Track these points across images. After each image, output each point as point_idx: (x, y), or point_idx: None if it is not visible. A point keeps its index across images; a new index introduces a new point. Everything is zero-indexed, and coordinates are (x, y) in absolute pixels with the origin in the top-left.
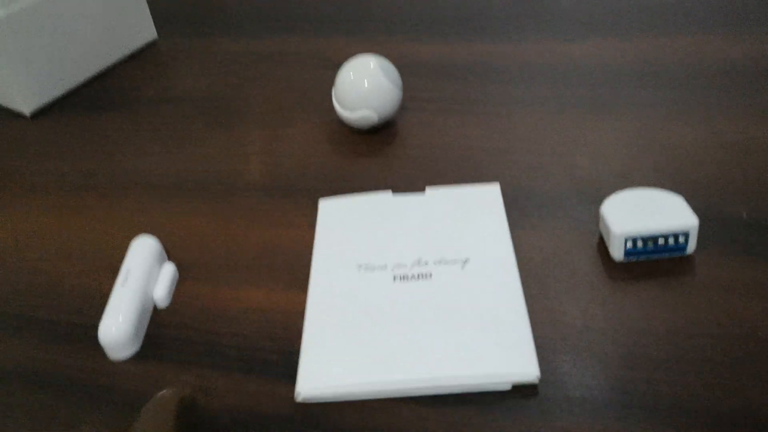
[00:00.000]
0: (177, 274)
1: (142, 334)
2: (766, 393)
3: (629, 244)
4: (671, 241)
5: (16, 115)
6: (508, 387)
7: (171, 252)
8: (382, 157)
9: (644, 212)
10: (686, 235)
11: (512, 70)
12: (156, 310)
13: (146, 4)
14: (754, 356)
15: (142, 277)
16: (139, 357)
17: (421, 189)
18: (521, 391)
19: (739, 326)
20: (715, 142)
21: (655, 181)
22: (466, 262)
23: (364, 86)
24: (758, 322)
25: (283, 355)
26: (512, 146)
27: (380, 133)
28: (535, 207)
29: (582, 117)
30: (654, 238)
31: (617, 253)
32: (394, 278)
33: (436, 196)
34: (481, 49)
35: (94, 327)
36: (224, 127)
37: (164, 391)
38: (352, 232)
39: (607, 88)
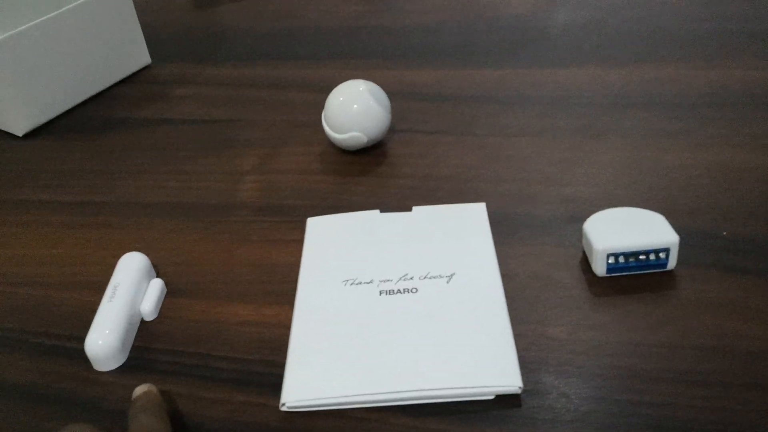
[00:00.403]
0: (165, 289)
1: (129, 346)
2: (745, 405)
3: (611, 260)
4: (652, 257)
5: (10, 136)
6: (491, 397)
7: (162, 269)
8: (371, 177)
9: (625, 229)
10: (667, 251)
11: (503, 97)
12: (144, 324)
13: (140, 30)
14: (735, 369)
15: (129, 292)
16: (126, 368)
17: (409, 209)
18: (505, 401)
19: (719, 339)
20: (700, 167)
21: (640, 201)
22: (451, 276)
23: (353, 108)
24: (737, 335)
25: (270, 367)
26: (500, 171)
27: (370, 154)
28: (521, 226)
29: (570, 143)
30: (635, 254)
31: (600, 268)
32: (380, 293)
33: (423, 214)
34: (472, 77)
35: (83, 340)
36: (217, 148)
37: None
38: (339, 249)
39: (596, 115)
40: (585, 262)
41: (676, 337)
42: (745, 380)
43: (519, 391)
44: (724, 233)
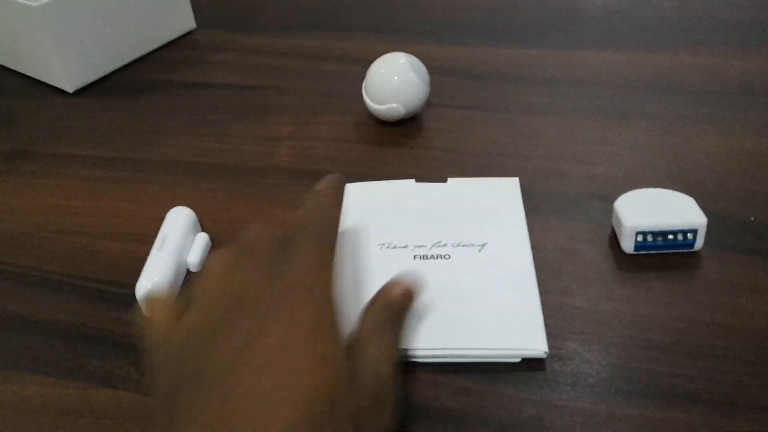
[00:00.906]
0: (210, 243)
1: (175, 293)
2: (756, 379)
3: (639, 238)
4: (680, 237)
5: (59, 92)
6: (517, 360)
7: (204, 224)
8: (407, 148)
9: (655, 209)
10: (694, 232)
11: (536, 77)
12: (191, 274)
13: None
14: (751, 347)
15: (178, 243)
16: None
17: (443, 180)
18: (529, 364)
19: (739, 319)
20: (729, 153)
21: (668, 184)
22: (483, 246)
23: (394, 80)
24: (757, 315)
25: None
26: (532, 149)
27: (406, 127)
28: (552, 203)
29: (601, 124)
30: (664, 234)
31: (628, 245)
32: (414, 257)
33: (458, 185)
34: (506, 55)
35: (131, 287)
36: (253, 114)
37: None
38: (376, 215)
39: (627, 97)
40: (612, 239)
41: (693, 312)
42: (757, 356)
43: (545, 356)
44: (752, 218)
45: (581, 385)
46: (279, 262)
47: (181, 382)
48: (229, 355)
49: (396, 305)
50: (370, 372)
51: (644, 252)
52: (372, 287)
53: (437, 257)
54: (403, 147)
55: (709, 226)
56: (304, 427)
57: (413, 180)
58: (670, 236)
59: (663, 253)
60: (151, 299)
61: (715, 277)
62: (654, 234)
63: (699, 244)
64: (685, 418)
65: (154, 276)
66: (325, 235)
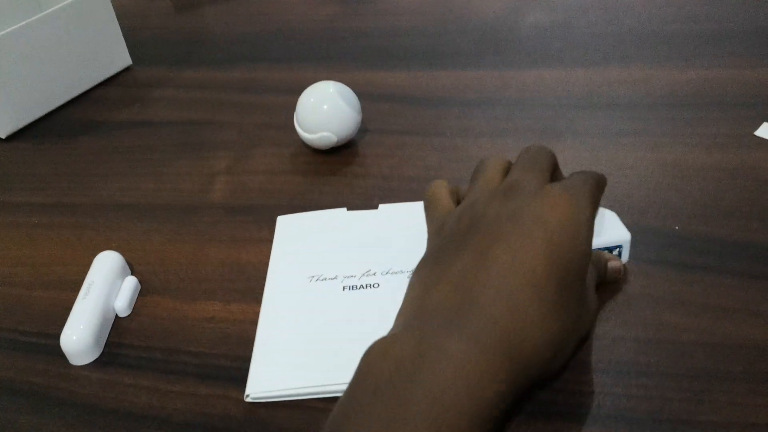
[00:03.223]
0: (139, 286)
1: (103, 341)
2: (681, 394)
3: None
4: None
5: None
6: None
7: (135, 267)
8: (340, 176)
9: None
10: (619, 248)
11: (471, 99)
12: (119, 320)
13: (120, 32)
14: (676, 362)
15: (104, 289)
16: (99, 362)
17: (375, 207)
18: None
19: (663, 333)
20: (656, 165)
21: None
22: (413, 272)
23: (323, 109)
24: (680, 329)
25: (235, 361)
26: (466, 172)
27: (341, 154)
28: None
29: (531, 143)
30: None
31: None
32: (344, 288)
33: (388, 211)
34: (443, 79)
35: (58, 337)
36: (191, 149)
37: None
38: (306, 246)
39: (558, 116)
40: None
41: (617, 330)
42: (680, 370)
43: None
44: (676, 227)
45: None
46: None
47: (458, 234)
48: (495, 217)
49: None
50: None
51: None
52: (303, 323)
53: (366, 286)
54: (337, 175)
55: (635, 240)
56: (548, 274)
57: (344, 208)
58: None
59: None
60: (435, 183)
61: (640, 292)
62: None
63: (625, 258)
64: None
65: (79, 324)
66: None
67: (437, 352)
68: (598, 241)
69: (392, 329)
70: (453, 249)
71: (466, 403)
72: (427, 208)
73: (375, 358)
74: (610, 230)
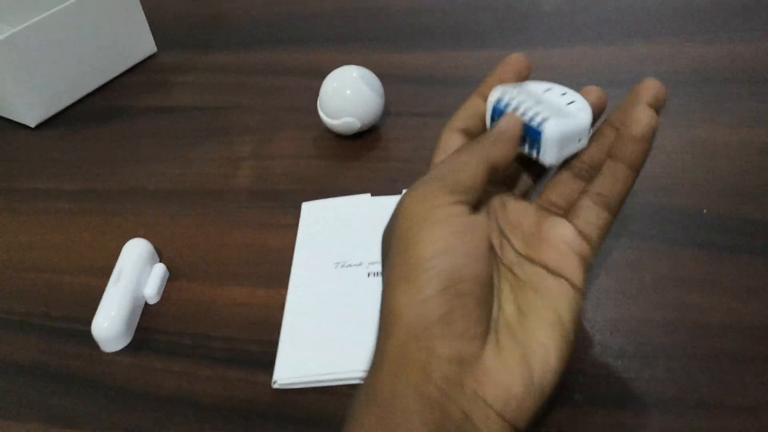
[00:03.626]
0: (167, 274)
1: (133, 328)
2: (709, 376)
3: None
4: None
5: (21, 127)
6: None
7: (163, 253)
8: (364, 161)
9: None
10: (537, 142)
11: None
12: (148, 307)
13: (145, 20)
14: (703, 343)
15: (133, 276)
16: (130, 348)
17: (399, 191)
18: None
19: (691, 315)
20: (683, 143)
21: None
22: None
23: (347, 94)
24: (709, 311)
25: (263, 346)
26: None
27: (363, 139)
28: None
29: None
30: None
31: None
32: (368, 274)
33: None
34: (466, 58)
35: (88, 321)
36: (216, 134)
37: None
38: (332, 233)
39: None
40: None
41: (643, 311)
42: (708, 352)
43: None
44: (704, 211)
45: None
46: None
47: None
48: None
49: None
50: None
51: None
52: (329, 310)
53: None
54: (361, 160)
55: (662, 220)
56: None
57: (369, 194)
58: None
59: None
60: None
61: (667, 273)
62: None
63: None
64: (636, 422)
65: (110, 312)
66: None
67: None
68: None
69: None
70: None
71: None
72: None
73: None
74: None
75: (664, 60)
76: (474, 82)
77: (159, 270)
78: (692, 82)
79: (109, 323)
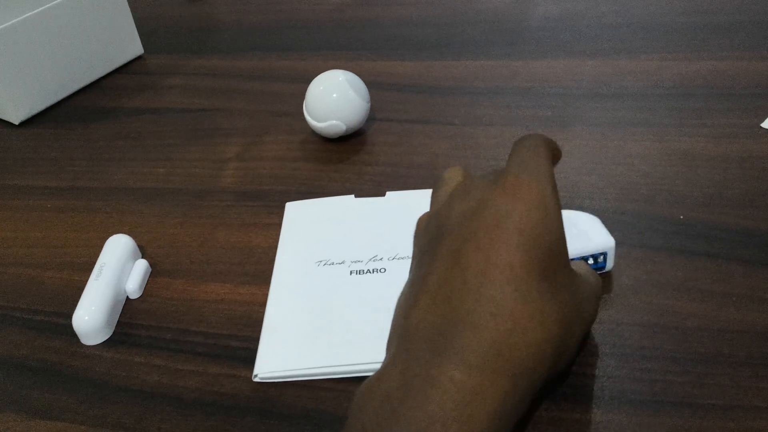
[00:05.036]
0: (149, 269)
1: (114, 322)
2: (684, 377)
3: None
4: (590, 262)
5: (5, 124)
6: None
7: (146, 251)
8: (349, 164)
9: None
10: (604, 255)
11: (480, 89)
12: (130, 302)
13: (133, 21)
14: (679, 346)
15: (115, 271)
16: (111, 342)
17: (383, 194)
18: None
19: (668, 319)
20: (663, 155)
21: (601, 188)
22: None
23: (332, 98)
24: (686, 315)
25: (243, 341)
26: (474, 160)
27: (350, 143)
28: None
29: (540, 132)
30: (574, 261)
31: None
32: (351, 273)
33: (395, 198)
34: (453, 68)
35: (71, 317)
36: (202, 136)
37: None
38: (314, 232)
39: (567, 105)
40: None
41: (622, 314)
42: (684, 354)
43: None
44: (681, 217)
45: None
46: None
47: (428, 244)
48: (459, 218)
49: None
50: None
51: None
52: (310, 305)
53: (373, 271)
54: (346, 163)
55: (641, 227)
56: (527, 266)
57: (353, 195)
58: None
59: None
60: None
61: (646, 278)
62: None
63: (610, 265)
64: (610, 419)
65: (91, 306)
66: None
67: (422, 381)
68: (583, 247)
69: (382, 362)
70: (426, 261)
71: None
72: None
73: (363, 399)
74: (595, 237)
75: (648, 75)
76: (460, 91)
77: (141, 265)
78: (674, 97)
79: (90, 316)
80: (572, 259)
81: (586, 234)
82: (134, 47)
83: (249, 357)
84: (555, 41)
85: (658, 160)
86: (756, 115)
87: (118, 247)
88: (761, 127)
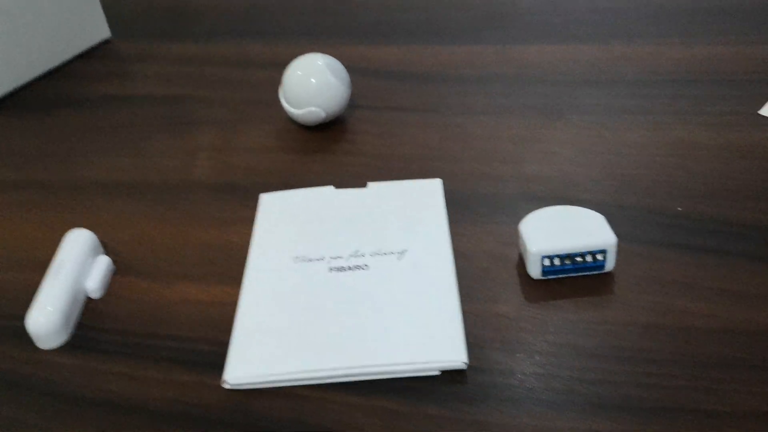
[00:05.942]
0: (112, 267)
1: (72, 323)
2: (694, 383)
3: (546, 262)
4: (589, 258)
5: None
6: (436, 372)
7: (112, 248)
8: (329, 154)
9: (562, 231)
10: (604, 253)
11: (470, 76)
12: (90, 302)
13: (98, 2)
14: (686, 349)
15: (74, 269)
16: (70, 347)
17: (365, 185)
18: (451, 378)
19: (672, 318)
20: (661, 144)
21: (598, 179)
22: (402, 253)
23: (311, 83)
24: (691, 314)
25: (214, 345)
26: (463, 151)
27: (330, 131)
28: (482, 206)
29: (534, 122)
30: (571, 256)
31: (535, 271)
32: (330, 269)
33: (378, 189)
34: (441, 54)
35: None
36: (175, 126)
37: None
38: (291, 226)
39: (561, 93)
40: None
41: (622, 313)
42: (692, 357)
43: (464, 367)
44: (679, 209)
45: (503, 398)
46: None
47: None
48: None
49: None
50: None
51: (552, 277)
52: (285, 306)
53: (354, 268)
54: (326, 152)
55: (642, 221)
56: None
57: (332, 186)
58: (579, 258)
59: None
60: None
61: (646, 275)
62: (561, 257)
63: (610, 264)
64: (615, 428)
65: (47, 306)
66: None
67: None
68: (582, 244)
69: None
70: None
71: None
72: None
73: None
74: (595, 234)
75: (644, 61)
76: (448, 78)
77: (102, 262)
78: (672, 83)
79: (45, 317)
80: (570, 255)
81: (586, 230)
82: (100, 30)
83: (220, 363)
84: (547, 25)
85: (657, 149)
86: (755, 102)
87: (77, 243)
88: (759, 114)
